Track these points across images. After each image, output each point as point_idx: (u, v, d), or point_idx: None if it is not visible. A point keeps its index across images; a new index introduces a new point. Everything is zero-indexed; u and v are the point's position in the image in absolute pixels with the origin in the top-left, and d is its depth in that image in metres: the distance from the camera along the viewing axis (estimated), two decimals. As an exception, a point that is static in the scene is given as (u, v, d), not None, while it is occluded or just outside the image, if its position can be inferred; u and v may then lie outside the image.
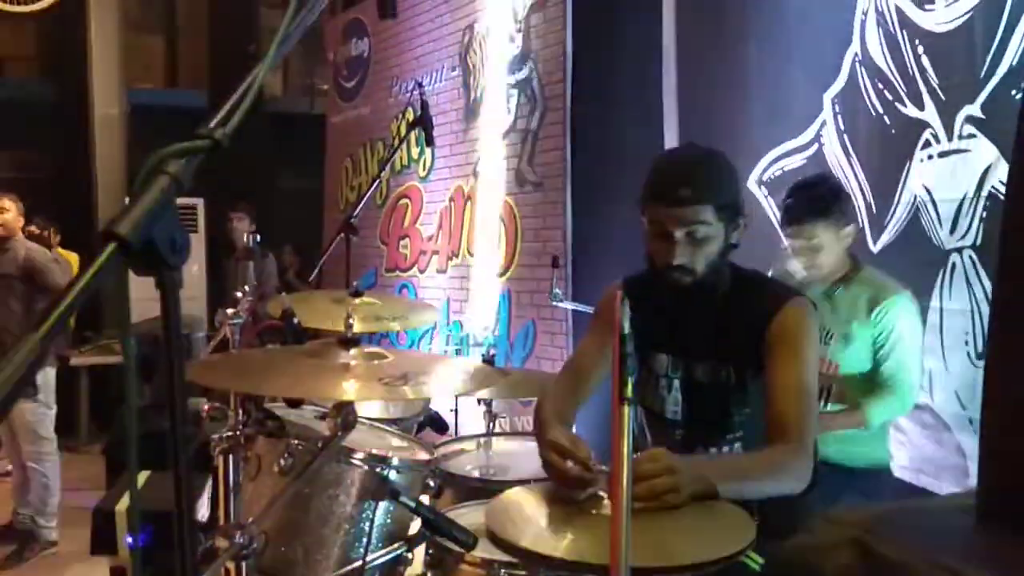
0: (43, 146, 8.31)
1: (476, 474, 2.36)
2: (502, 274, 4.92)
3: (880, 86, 2.79)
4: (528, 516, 1.33)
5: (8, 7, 7.51)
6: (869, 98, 2.83)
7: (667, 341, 1.79)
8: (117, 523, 2.11)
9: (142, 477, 2.52)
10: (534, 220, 4.65)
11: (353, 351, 1.45)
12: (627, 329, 1.03)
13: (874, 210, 2.84)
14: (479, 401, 2.77)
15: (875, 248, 2.82)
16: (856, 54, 2.87)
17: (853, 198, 2.76)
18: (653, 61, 3.89)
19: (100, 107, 7.98)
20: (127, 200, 0.67)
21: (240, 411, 1.59)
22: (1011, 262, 0.77)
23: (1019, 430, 0.70)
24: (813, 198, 2.39)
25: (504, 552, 1.25)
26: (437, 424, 2.49)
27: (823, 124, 3.01)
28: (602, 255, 4.25)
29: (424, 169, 5.69)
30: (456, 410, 3.56)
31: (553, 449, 1.42)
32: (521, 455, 2.53)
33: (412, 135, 3.12)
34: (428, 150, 5.56)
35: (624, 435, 0.99)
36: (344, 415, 1.30)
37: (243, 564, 1.12)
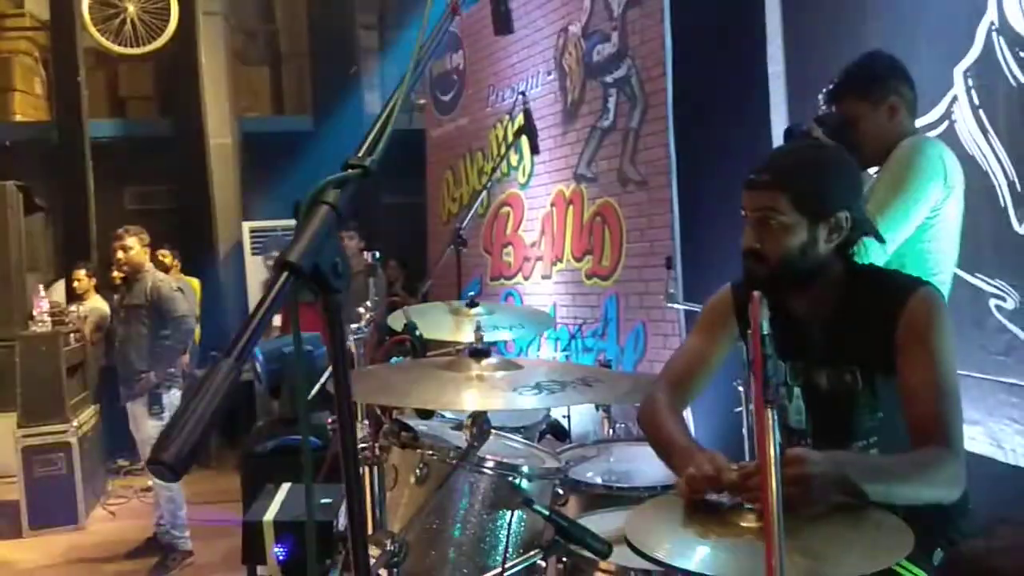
0: (165, 178, 8.83)
1: (599, 481, 2.35)
2: (608, 277, 4.89)
3: (1023, 55, 2.60)
4: (667, 526, 1.31)
5: (125, 50, 8.03)
6: (1009, 69, 2.64)
7: (783, 347, 1.67)
8: (265, 534, 2.22)
9: (283, 490, 2.64)
10: (639, 220, 4.60)
11: (484, 362, 1.47)
12: (767, 330, 1.00)
13: (1018, 188, 2.65)
14: (597, 407, 2.75)
15: (1020, 228, 2.64)
16: (992, 22, 2.69)
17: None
18: (757, 49, 3.78)
19: (214, 138, 8.42)
20: (294, 230, 0.70)
21: (368, 423, 1.64)
22: None
23: None
24: (849, 75, 2.25)
25: (644, 560, 1.23)
26: (558, 431, 2.49)
27: (954, 99, 2.83)
28: (710, 253, 4.15)
29: (524, 176, 5.72)
30: (568, 416, 3.55)
31: (701, 482, 1.35)
32: (643, 461, 2.50)
33: (514, 144, 3.14)
34: (527, 156, 5.60)
35: (770, 438, 0.96)
36: (479, 425, 1.32)
37: (393, 571, 1.14)
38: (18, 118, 8.59)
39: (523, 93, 4.14)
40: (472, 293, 2.55)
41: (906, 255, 2.16)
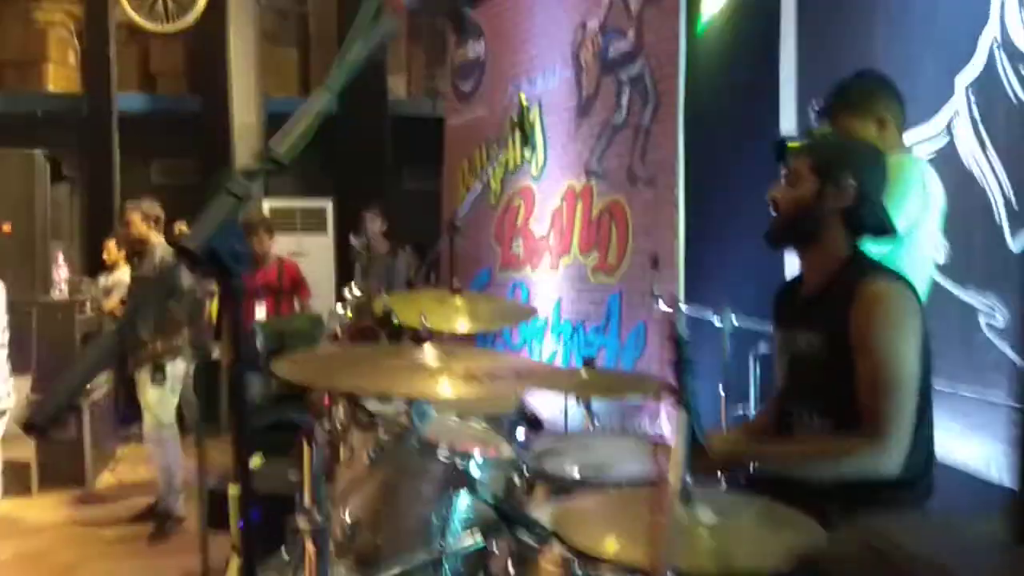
0: (190, 154, 8.97)
1: (575, 473, 2.38)
2: (613, 273, 4.90)
3: (1024, 72, 2.58)
4: (597, 519, 1.36)
5: (156, 27, 8.17)
6: (1010, 85, 2.62)
7: (784, 315, 1.95)
8: (230, 505, 2.28)
9: (255, 462, 2.71)
10: (644, 219, 4.61)
11: (428, 346, 1.51)
12: (685, 335, 1.03)
13: (1015, 206, 2.64)
14: (578, 400, 2.79)
15: (1015, 246, 2.63)
16: (995, 37, 2.67)
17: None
18: (769, 53, 3.78)
19: (239, 116, 8.53)
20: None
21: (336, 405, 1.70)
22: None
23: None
24: (841, 90, 2.35)
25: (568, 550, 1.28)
26: (532, 423, 2.53)
27: (955, 114, 2.82)
28: (715, 254, 4.15)
29: (537, 169, 5.75)
30: (566, 411, 3.59)
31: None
32: (619, 455, 2.53)
33: (515, 137, 3.17)
34: (541, 149, 5.62)
35: (680, 437, 1.00)
36: (416, 409, 1.37)
37: (321, 543, 1.20)
38: (50, 88, 8.78)
39: (518, 86, 4.15)
40: (457, 282, 2.59)
41: (885, 262, 2.21)
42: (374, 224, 6.32)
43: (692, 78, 4.29)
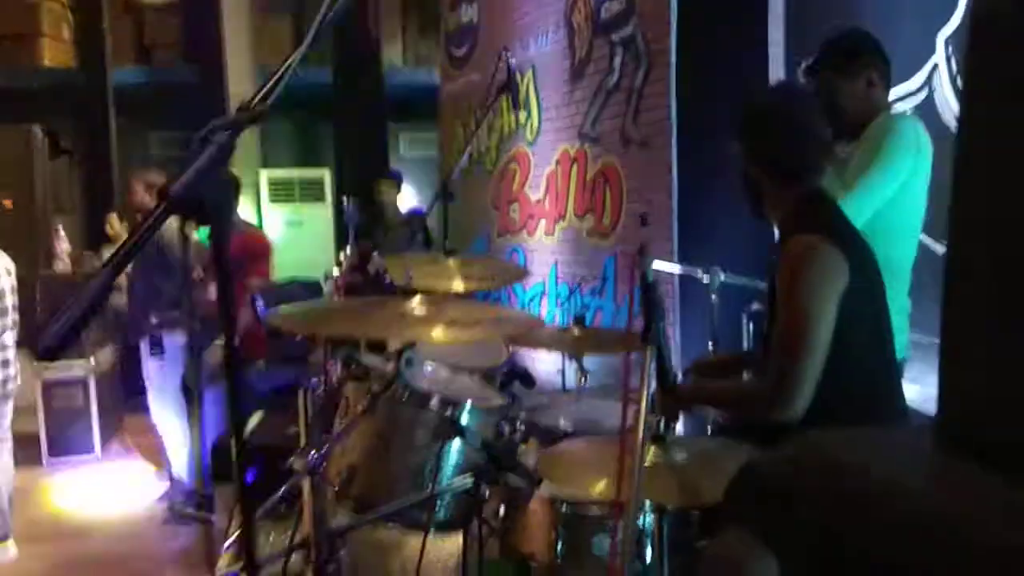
0: (189, 125, 8.95)
1: (570, 428, 2.46)
2: (608, 236, 4.95)
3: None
4: (581, 463, 1.43)
5: (150, -1, 8.14)
6: (988, 37, 2.65)
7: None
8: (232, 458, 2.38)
9: (255, 418, 2.81)
10: (637, 181, 4.64)
11: (417, 298, 1.57)
12: (651, 278, 1.09)
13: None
14: (571, 357, 2.86)
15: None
16: (974, -9, 2.69)
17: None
18: (758, 13, 3.78)
19: (234, 86, 8.52)
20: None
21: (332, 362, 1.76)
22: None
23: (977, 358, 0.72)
24: (828, 49, 2.40)
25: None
26: (524, 378, 2.60)
27: (935, 68, 2.85)
28: (709, 214, 4.19)
29: (532, 133, 5.76)
30: (563, 370, 3.66)
31: None
32: (611, 410, 2.61)
33: (501, 100, 3.19)
34: (536, 113, 5.63)
35: (645, 372, 1.05)
36: (403, 356, 1.43)
37: (315, 480, 1.27)
38: (46, 63, 8.76)
39: (506, 48, 4.16)
40: (449, 245, 2.64)
41: (876, 221, 2.25)
42: (390, 194, 6.22)
43: (684, 38, 4.30)
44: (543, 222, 5.67)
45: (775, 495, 0.69)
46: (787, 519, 0.66)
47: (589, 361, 2.88)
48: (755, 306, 3.41)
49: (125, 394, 6.38)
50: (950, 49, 2.78)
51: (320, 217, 8.30)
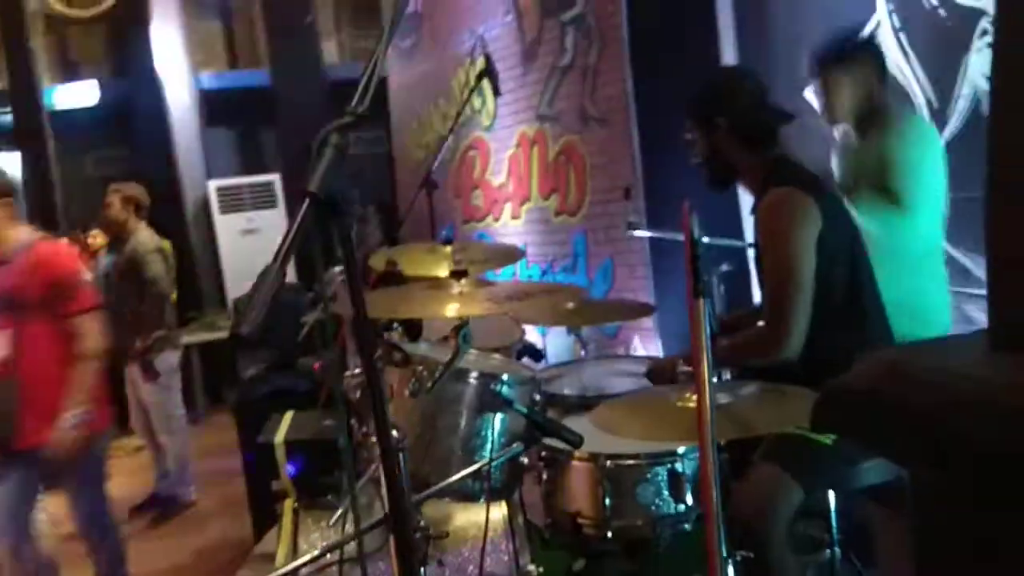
0: (127, 143, 8.77)
1: (574, 393, 2.58)
2: (575, 213, 5.06)
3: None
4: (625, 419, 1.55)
5: (75, 12, 7.90)
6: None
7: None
8: (276, 454, 2.44)
9: (288, 416, 2.86)
10: (601, 157, 4.75)
11: (463, 281, 1.65)
12: (697, 234, 1.20)
13: (935, 105, 2.86)
14: (568, 331, 2.97)
15: (939, 142, 2.86)
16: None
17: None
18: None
19: (172, 96, 8.35)
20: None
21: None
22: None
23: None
24: (830, 51, 2.60)
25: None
26: (533, 353, 2.70)
27: (878, 24, 3.02)
28: (674, 181, 4.32)
29: (488, 118, 5.83)
30: (544, 343, 3.77)
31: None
32: (611, 376, 2.74)
33: (477, 87, 3.25)
34: (490, 99, 5.70)
35: (702, 325, 1.16)
36: (461, 335, 1.51)
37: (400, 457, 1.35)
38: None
39: (482, 36, 4.22)
40: (444, 232, 2.71)
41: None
42: (368, 224, 6.25)
43: (634, 12, 4.41)
44: (508, 205, 5.75)
45: (877, 404, 0.80)
46: (897, 422, 0.76)
47: (586, 332, 3.01)
48: (724, 267, 3.58)
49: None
50: (890, 5, 2.96)
51: (273, 223, 8.23)
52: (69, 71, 9.03)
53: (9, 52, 8.22)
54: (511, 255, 2.74)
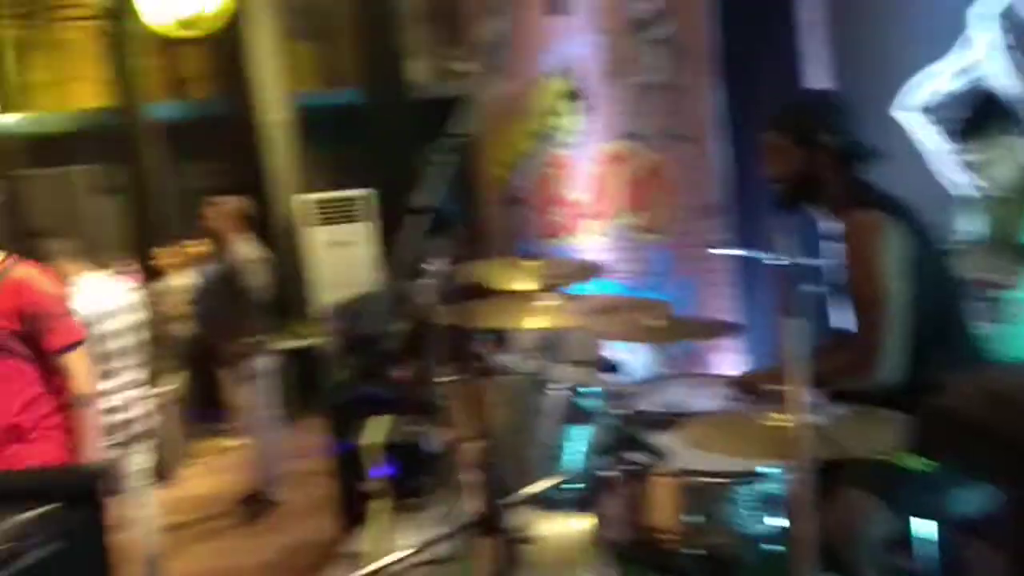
0: (226, 157, 9.21)
1: (658, 409, 2.57)
2: (658, 232, 5.03)
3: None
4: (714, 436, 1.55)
5: (180, 33, 8.36)
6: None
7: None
8: (364, 457, 2.54)
9: (376, 421, 2.96)
10: (686, 174, 4.72)
11: (549, 295, 1.70)
12: (787, 260, 1.21)
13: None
14: (651, 346, 2.97)
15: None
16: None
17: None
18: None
19: (268, 114, 8.74)
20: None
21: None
22: None
23: None
24: (982, 113, 2.54)
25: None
26: (608, 366, 2.71)
27: (985, 41, 2.92)
28: (761, 200, 4.26)
29: (570, 136, 5.86)
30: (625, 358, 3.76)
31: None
32: (694, 394, 2.72)
33: (560, 105, 3.30)
34: (572, 117, 5.73)
35: (793, 345, 1.16)
36: (551, 348, 1.55)
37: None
38: (82, 104, 9.03)
39: (566, 55, 4.26)
40: (526, 248, 2.76)
41: None
42: (458, 238, 6.35)
43: (722, 31, 4.39)
44: (590, 222, 5.76)
45: (979, 429, 0.79)
46: (999, 447, 0.75)
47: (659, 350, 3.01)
48: (813, 287, 3.51)
49: (195, 422, 6.54)
50: (1003, 20, 2.86)
51: (363, 236, 8.52)
52: (174, 89, 9.55)
53: (117, 69, 8.77)
54: (592, 270, 2.77)
